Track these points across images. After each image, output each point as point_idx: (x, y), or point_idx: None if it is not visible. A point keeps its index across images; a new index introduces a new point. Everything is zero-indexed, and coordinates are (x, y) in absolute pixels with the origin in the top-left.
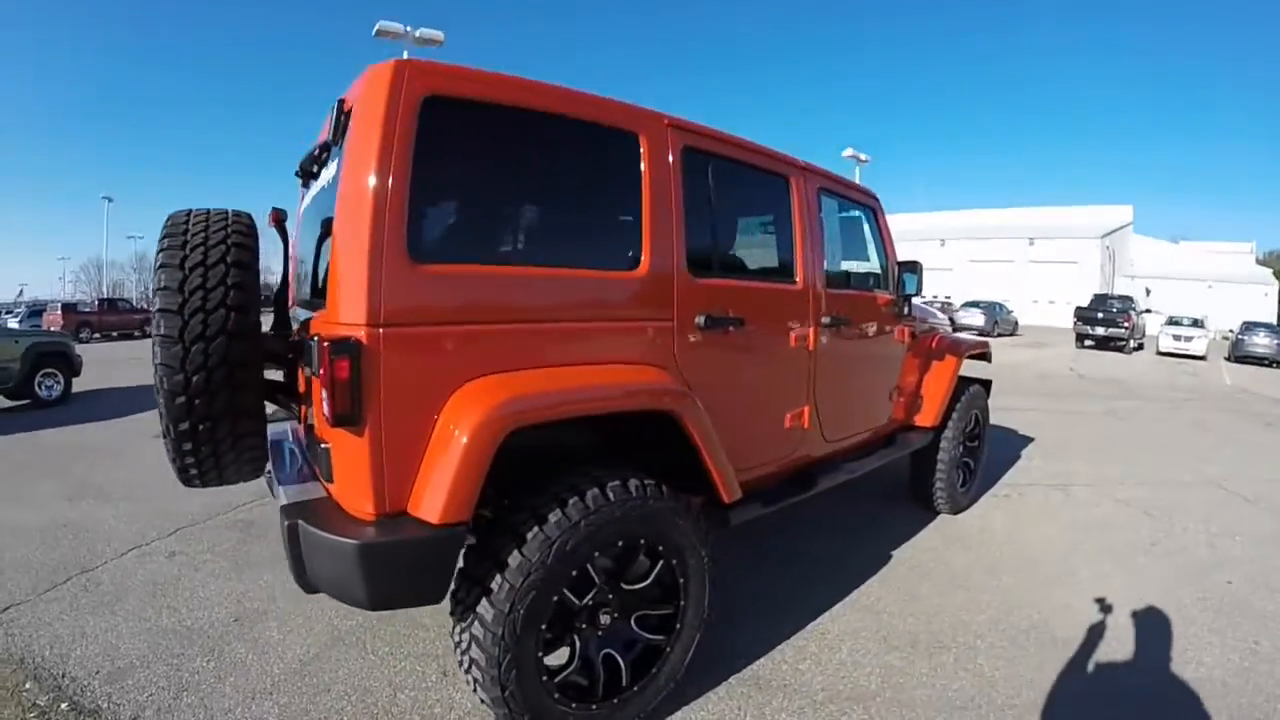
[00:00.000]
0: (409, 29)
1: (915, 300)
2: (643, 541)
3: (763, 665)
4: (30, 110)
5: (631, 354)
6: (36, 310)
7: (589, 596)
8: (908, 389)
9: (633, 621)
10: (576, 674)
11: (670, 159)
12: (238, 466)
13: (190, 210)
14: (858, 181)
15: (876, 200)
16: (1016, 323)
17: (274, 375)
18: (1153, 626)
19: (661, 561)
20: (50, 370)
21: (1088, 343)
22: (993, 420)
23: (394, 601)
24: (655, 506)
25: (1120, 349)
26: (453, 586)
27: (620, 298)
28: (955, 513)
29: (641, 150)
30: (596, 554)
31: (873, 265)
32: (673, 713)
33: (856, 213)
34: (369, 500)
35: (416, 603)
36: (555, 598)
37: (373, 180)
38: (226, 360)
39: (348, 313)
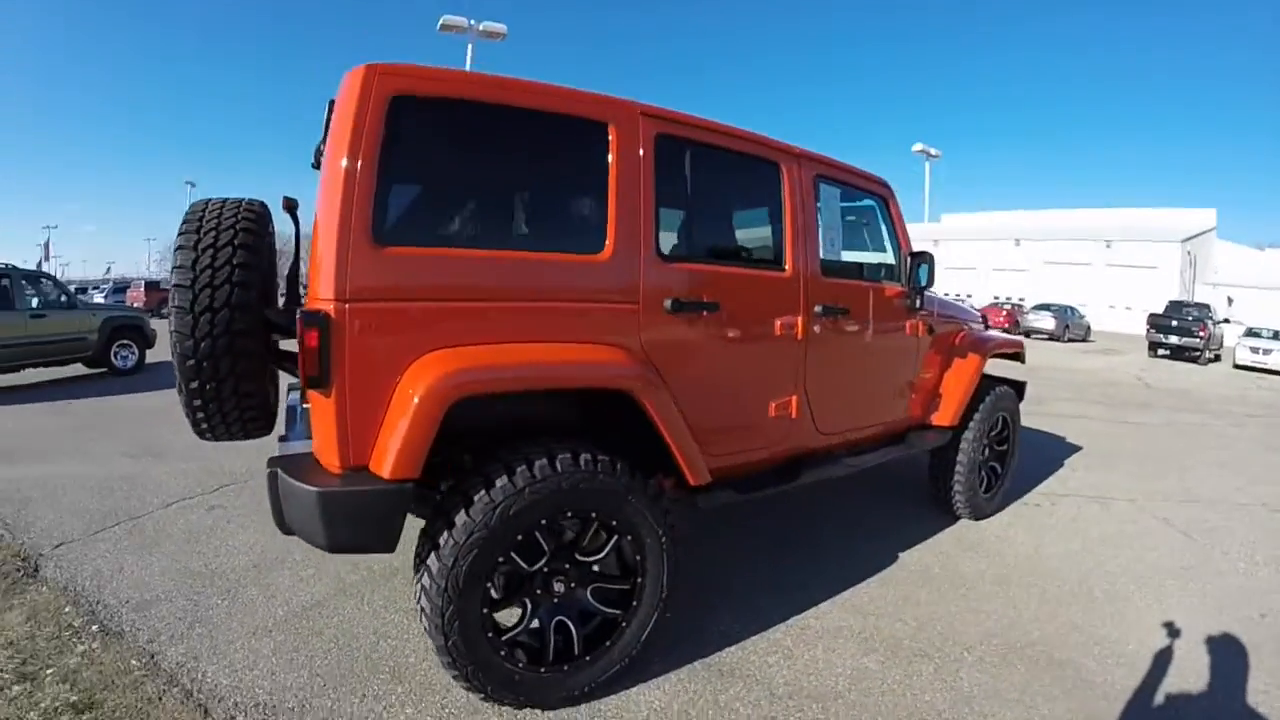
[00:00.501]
0: (473, 22)
1: (944, 295)
2: (594, 515)
3: (732, 653)
4: (123, 100)
5: (593, 334)
6: (121, 287)
7: (541, 563)
8: (924, 385)
9: (589, 593)
10: (526, 636)
11: (641, 146)
12: (241, 423)
13: (209, 200)
14: (869, 170)
15: (888, 189)
16: (1089, 327)
17: (289, 346)
18: (1162, 659)
19: (616, 537)
20: (125, 341)
21: (1161, 351)
22: (1043, 427)
23: (347, 546)
24: (605, 482)
25: (1194, 359)
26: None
27: (582, 281)
28: (977, 518)
29: (610, 138)
30: (543, 521)
31: (883, 256)
32: (630, 687)
33: (866, 202)
34: (335, 455)
35: (368, 549)
36: (500, 559)
37: (343, 172)
38: (230, 330)
39: (320, 289)
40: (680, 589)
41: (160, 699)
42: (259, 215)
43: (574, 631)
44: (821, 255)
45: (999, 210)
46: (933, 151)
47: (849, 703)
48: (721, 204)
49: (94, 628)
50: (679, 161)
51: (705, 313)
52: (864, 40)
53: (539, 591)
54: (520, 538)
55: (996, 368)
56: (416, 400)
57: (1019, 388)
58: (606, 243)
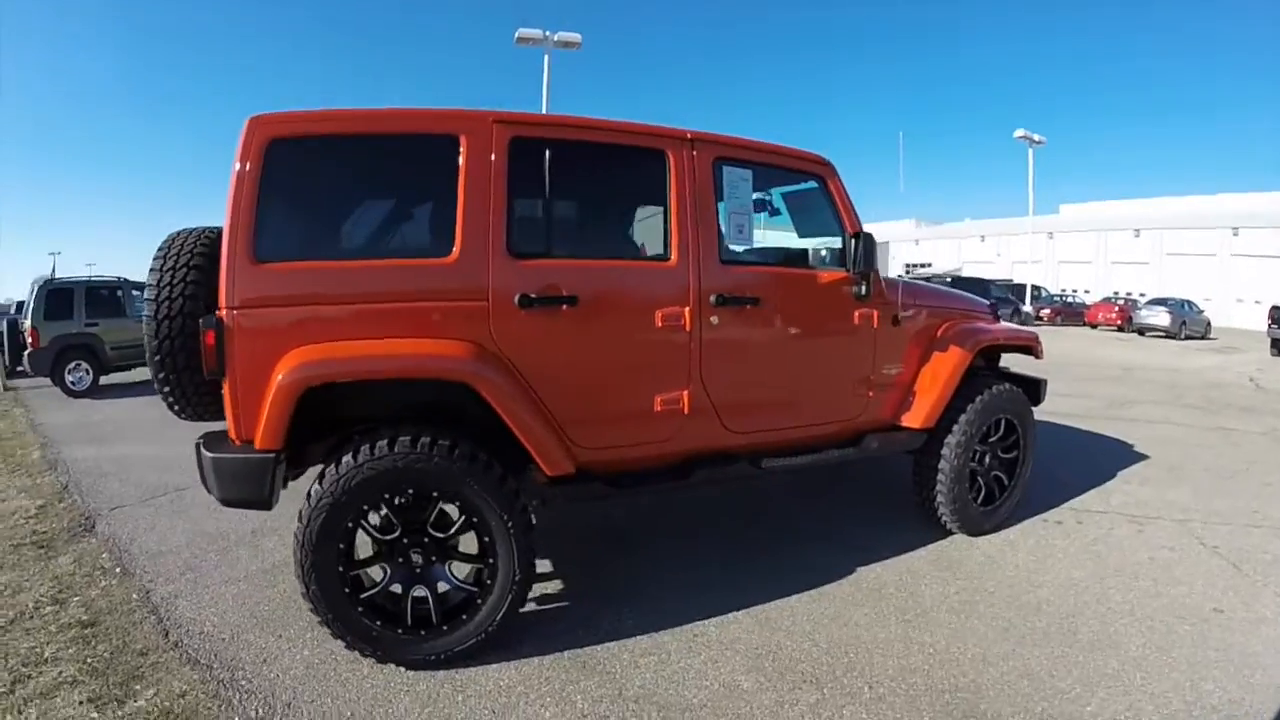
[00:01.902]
0: (548, 34)
1: (931, 281)
2: (435, 494)
3: (609, 649)
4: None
5: (444, 331)
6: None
7: (395, 534)
8: (891, 382)
9: (448, 568)
10: (383, 599)
11: (493, 153)
12: (202, 406)
13: (180, 230)
14: (803, 149)
15: (827, 167)
16: (1208, 324)
17: None
18: None
19: (464, 517)
20: None
21: None
22: (1110, 432)
23: (234, 500)
24: (440, 464)
25: None
26: None
27: (430, 283)
28: (972, 533)
29: (461, 149)
30: (385, 495)
31: (822, 239)
32: (492, 662)
33: (796, 183)
34: (233, 430)
35: (249, 505)
36: (349, 523)
37: (231, 203)
38: (183, 331)
39: (220, 299)
40: (599, 579)
41: (141, 623)
42: (213, 240)
43: (430, 601)
44: (725, 242)
45: (1117, 199)
46: (1036, 138)
47: (696, 718)
48: (592, 198)
49: (117, 569)
50: (538, 162)
51: (564, 306)
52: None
53: (400, 560)
54: (366, 507)
55: (1022, 364)
56: (275, 387)
57: (1033, 387)
58: (454, 246)
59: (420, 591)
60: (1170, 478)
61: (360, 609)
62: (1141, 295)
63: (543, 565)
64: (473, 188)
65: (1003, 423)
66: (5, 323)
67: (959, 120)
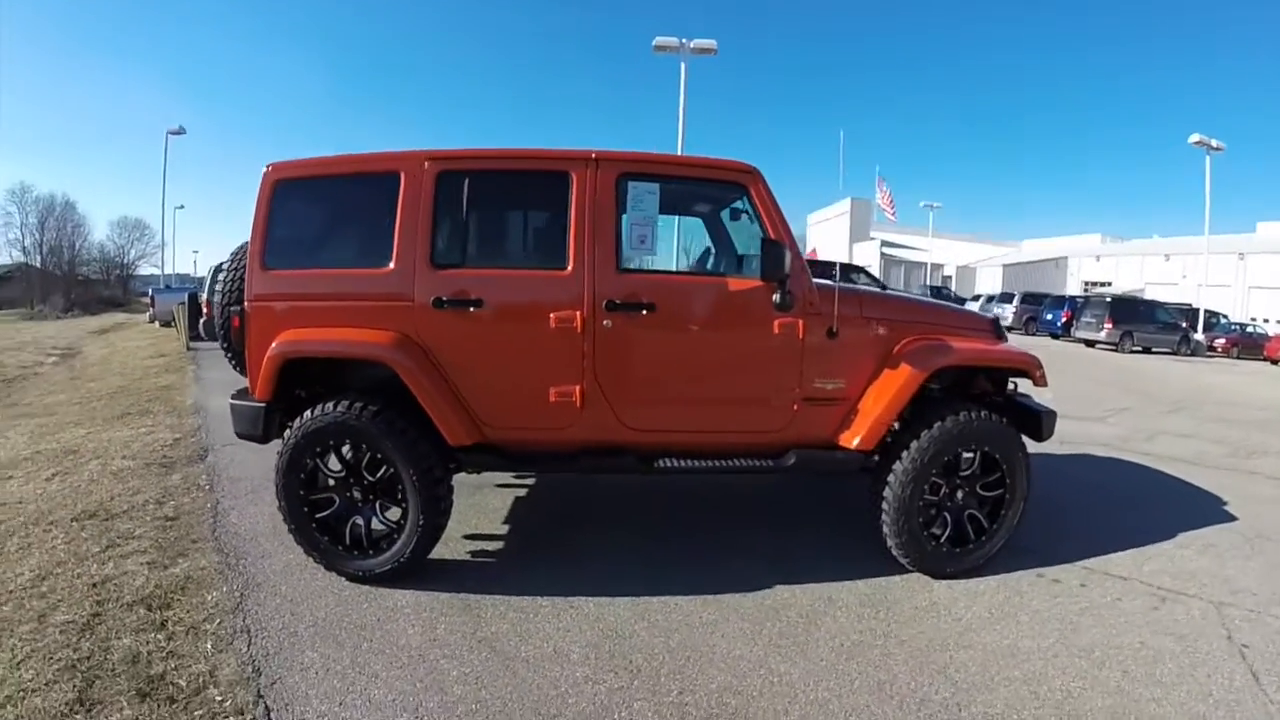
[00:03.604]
0: (684, 41)
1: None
2: (364, 447)
3: (494, 600)
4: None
5: (383, 324)
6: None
7: (341, 473)
8: (827, 396)
9: (377, 505)
10: (333, 520)
11: (423, 184)
12: (244, 368)
13: (242, 243)
14: (729, 158)
15: (748, 174)
16: None
17: None
18: None
19: (385, 468)
20: None
21: None
22: (1210, 485)
23: (242, 435)
24: (365, 424)
25: None
26: None
27: (375, 287)
28: (935, 575)
29: (401, 182)
30: (330, 442)
31: (739, 248)
32: (404, 586)
33: (722, 191)
34: (252, 387)
35: (252, 439)
36: (308, 460)
37: (253, 229)
38: (229, 314)
39: (246, 294)
40: (536, 550)
41: (202, 522)
42: None
43: (363, 529)
44: (625, 251)
45: None
46: (1214, 143)
47: (513, 669)
48: (504, 217)
49: (206, 486)
50: (459, 189)
51: (471, 308)
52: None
53: (346, 494)
54: (319, 450)
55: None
56: (266, 358)
57: (1033, 421)
58: (392, 260)
59: (359, 521)
60: (1245, 549)
61: (314, 525)
62: None
63: (498, 529)
64: (406, 212)
65: (977, 457)
66: (188, 296)
67: (1158, 127)
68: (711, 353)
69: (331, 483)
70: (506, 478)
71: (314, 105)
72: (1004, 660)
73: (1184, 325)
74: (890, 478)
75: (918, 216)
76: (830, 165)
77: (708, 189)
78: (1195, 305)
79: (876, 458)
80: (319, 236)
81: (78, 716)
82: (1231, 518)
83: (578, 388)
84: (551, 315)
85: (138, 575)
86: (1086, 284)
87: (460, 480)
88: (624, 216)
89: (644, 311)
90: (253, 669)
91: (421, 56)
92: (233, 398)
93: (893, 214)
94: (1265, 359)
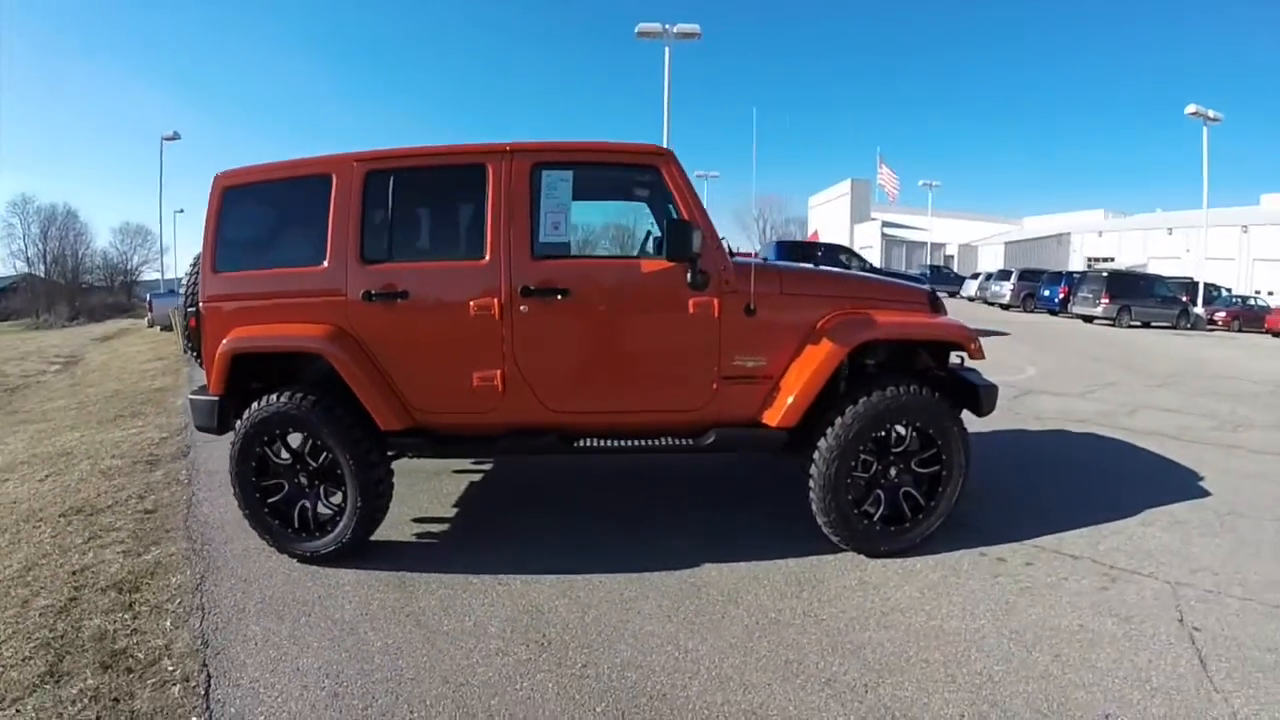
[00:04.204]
0: (667, 26)
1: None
2: (306, 435)
3: (427, 578)
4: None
5: (319, 318)
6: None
7: (287, 459)
8: (748, 374)
9: (322, 490)
10: (283, 504)
11: (352, 185)
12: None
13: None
14: (641, 142)
15: (660, 156)
16: None
17: None
18: None
19: (325, 455)
20: None
21: None
22: (1188, 460)
23: (200, 427)
24: (304, 413)
25: None
26: None
27: (310, 284)
28: (869, 554)
29: (333, 184)
30: (277, 431)
31: (650, 230)
32: (345, 565)
33: (637, 175)
34: (208, 383)
35: (209, 431)
36: (258, 448)
37: (204, 235)
38: (190, 316)
39: (200, 296)
40: (482, 531)
41: (178, 513)
42: None
43: (309, 513)
44: (540, 239)
45: None
46: (1211, 115)
47: (434, 641)
48: (427, 211)
49: (185, 481)
50: (384, 188)
51: (398, 300)
52: None
53: (293, 480)
54: (267, 438)
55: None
56: (217, 355)
57: (971, 395)
58: (326, 257)
59: (306, 505)
60: (1215, 525)
61: (266, 509)
62: None
63: (447, 511)
64: (338, 212)
65: (910, 433)
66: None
67: (1161, 100)
68: (628, 334)
69: (281, 469)
70: (464, 463)
71: (314, 105)
72: (924, 641)
73: (1184, 299)
74: (815, 455)
75: (918, 195)
76: (831, 149)
77: (623, 173)
78: (1197, 279)
79: (810, 435)
80: (264, 239)
81: (46, 686)
82: (1205, 493)
83: (499, 372)
84: (471, 304)
85: (113, 563)
86: (1089, 260)
87: (419, 466)
88: (539, 205)
89: (559, 297)
90: (202, 641)
91: (424, 51)
92: (192, 394)
93: (894, 194)
94: (1266, 332)
